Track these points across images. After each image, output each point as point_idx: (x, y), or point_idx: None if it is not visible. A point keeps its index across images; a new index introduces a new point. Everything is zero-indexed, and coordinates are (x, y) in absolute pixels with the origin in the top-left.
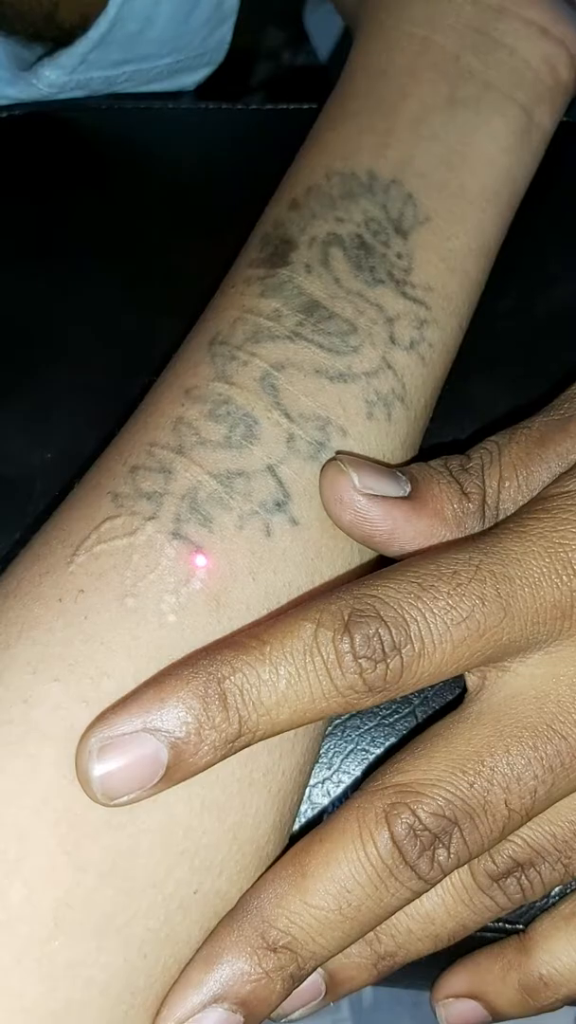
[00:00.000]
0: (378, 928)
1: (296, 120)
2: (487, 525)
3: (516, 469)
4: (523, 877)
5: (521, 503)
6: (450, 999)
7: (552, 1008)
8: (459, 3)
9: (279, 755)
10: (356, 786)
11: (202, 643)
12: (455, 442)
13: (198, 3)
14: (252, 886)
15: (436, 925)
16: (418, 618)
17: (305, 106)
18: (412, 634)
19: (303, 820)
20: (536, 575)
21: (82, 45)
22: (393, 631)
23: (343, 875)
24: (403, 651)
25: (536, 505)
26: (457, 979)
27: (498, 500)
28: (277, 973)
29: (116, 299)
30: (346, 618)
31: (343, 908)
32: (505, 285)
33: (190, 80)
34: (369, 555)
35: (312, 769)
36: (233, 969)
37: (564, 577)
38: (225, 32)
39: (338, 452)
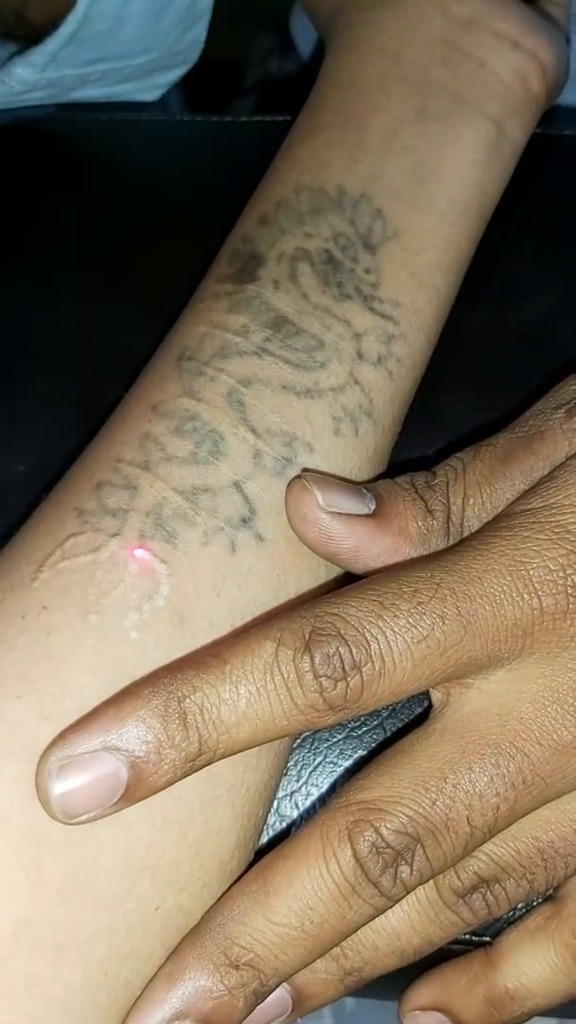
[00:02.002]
0: (344, 944)
1: (277, 132)
2: (451, 542)
3: (480, 486)
4: (488, 893)
5: (485, 520)
6: (417, 1012)
7: (518, 1021)
8: (429, 16)
9: (243, 771)
10: (324, 799)
11: (165, 660)
12: (423, 458)
13: (170, 3)
14: (216, 903)
15: (402, 941)
16: (379, 636)
17: (280, 119)
18: (372, 652)
19: (272, 833)
20: (497, 593)
21: (52, 43)
22: (353, 649)
23: (306, 892)
24: (363, 669)
25: (498, 523)
26: (424, 992)
27: (462, 517)
28: (239, 990)
29: (93, 312)
30: (307, 636)
31: (306, 925)
32: (475, 299)
33: (164, 79)
34: (336, 571)
35: (278, 784)
36: (196, 986)
37: (525, 595)
38: (199, 32)
39: (304, 469)
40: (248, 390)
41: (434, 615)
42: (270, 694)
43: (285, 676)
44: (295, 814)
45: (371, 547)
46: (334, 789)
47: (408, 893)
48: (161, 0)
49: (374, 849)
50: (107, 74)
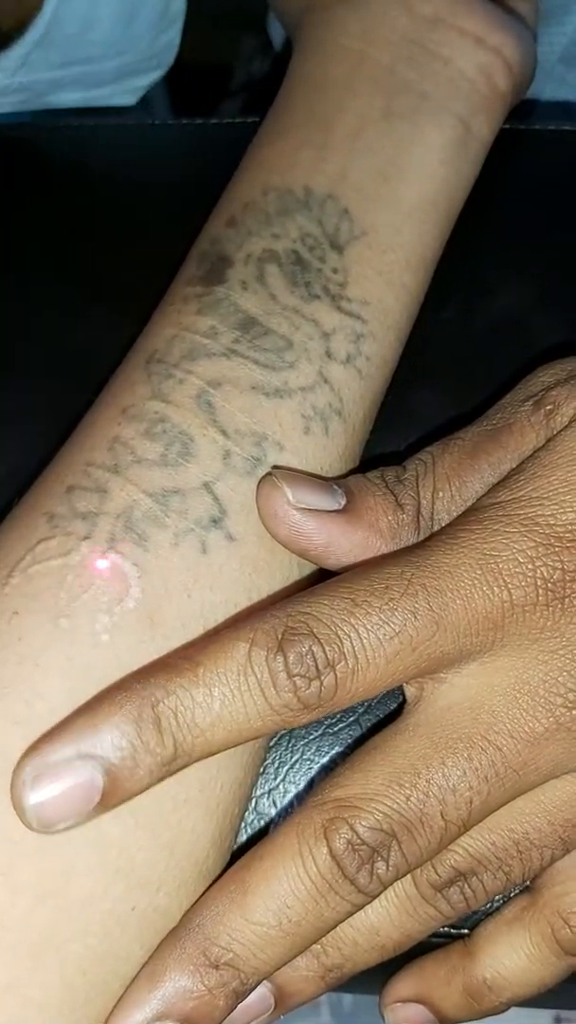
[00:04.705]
0: (324, 941)
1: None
2: (422, 535)
3: (449, 480)
4: (466, 886)
5: (455, 513)
6: (397, 1004)
7: (496, 1011)
8: (394, 15)
9: (216, 770)
10: (302, 796)
11: (137, 662)
12: (395, 453)
13: (141, 6)
14: (194, 904)
15: (382, 936)
16: (351, 634)
17: (250, 120)
18: (345, 650)
19: (250, 831)
20: (468, 587)
21: (20, 47)
22: (326, 648)
23: (283, 891)
24: (337, 668)
25: (468, 517)
26: (404, 984)
27: (432, 511)
28: (220, 989)
29: (67, 316)
30: (279, 636)
31: (283, 923)
32: (444, 296)
33: (140, 83)
34: (308, 568)
35: (255, 782)
36: (176, 986)
37: (496, 588)
38: (172, 35)
39: (274, 467)
40: (217, 391)
41: (406, 611)
42: (244, 695)
43: (259, 677)
44: (273, 812)
45: (342, 542)
46: (311, 786)
47: (385, 889)
48: (132, 2)
49: (350, 846)
50: (81, 78)
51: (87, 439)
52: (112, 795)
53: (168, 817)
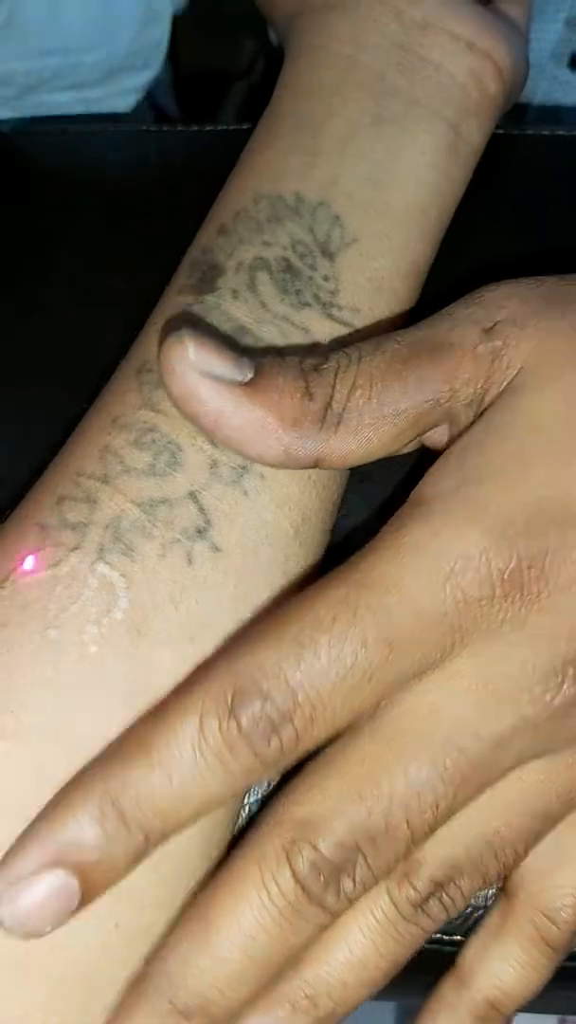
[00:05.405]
0: (315, 991)
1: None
2: (324, 429)
3: (373, 380)
4: (444, 895)
5: (367, 419)
6: None
7: (509, 1021)
8: (383, 21)
9: None
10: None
11: (124, 674)
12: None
13: None
14: (158, 946)
15: (369, 968)
16: (304, 682)
17: (244, 126)
18: (300, 700)
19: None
20: (418, 596)
21: None
22: (279, 703)
23: (248, 923)
24: (294, 719)
25: (411, 511)
26: None
27: (344, 407)
28: None
29: (62, 323)
30: (228, 700)
31: (252, 956)
32: (437, 302)
33: (131, 84)
34: (294, 575)
35: (244, 794)
36: None
37: (447, 590)
38: (160, 35)
39: (184, 326)
40: None
41: (355, 642)
42: (203, 770)
43: (214, 748)
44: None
45: (235, 416)
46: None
47: (352, 905)
48: None
49: (314, 868)
50: (62, 71)
51: (78, 448)
52: (91, 892)
53: None
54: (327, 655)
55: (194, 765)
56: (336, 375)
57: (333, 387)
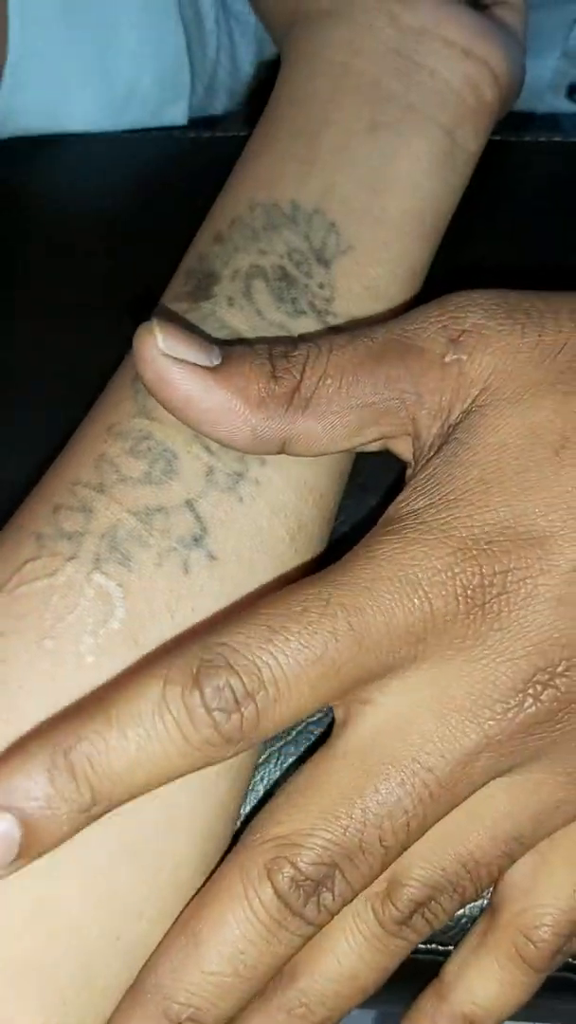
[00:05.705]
0: (309, 1002)
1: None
2: (292, 415)
3: (344, 372)
4: (426, 911)
5: (335, 406)
6: None
7: None
8: (379, 27)
9: (200, 795)
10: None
11: None
12: (383, 461)
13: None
14: (149, 960)
15: (360, 979)
16: (270, 662)
17: (242, 134)
18: (265, 679)
19: None
20: (387, 602)
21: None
22: (244, 679)
23: (235, 937)
24: (257, 698)
25: (385, 527)
26: None
27: (313, 394)
28: None
29: (58, 331)
30: (195, 671)
31: (239, 968)
32: None
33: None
34: (289, 582)
35: (240, 804)
36: None
37: (416, 600)
38: (177, 115)
39: (155, 315)
40: None
41: (325, 633)
42: (161, 735)
43: (175, 715)
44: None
45: (204, 399)
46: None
47: (333, 917)
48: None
49: (294, 883)
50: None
51: (74, 456)
52: (31, 846)
53: (150, 844)
54: (297, 641)
55: (152, 728)
56: (306, 362)
57: (303, 373)
